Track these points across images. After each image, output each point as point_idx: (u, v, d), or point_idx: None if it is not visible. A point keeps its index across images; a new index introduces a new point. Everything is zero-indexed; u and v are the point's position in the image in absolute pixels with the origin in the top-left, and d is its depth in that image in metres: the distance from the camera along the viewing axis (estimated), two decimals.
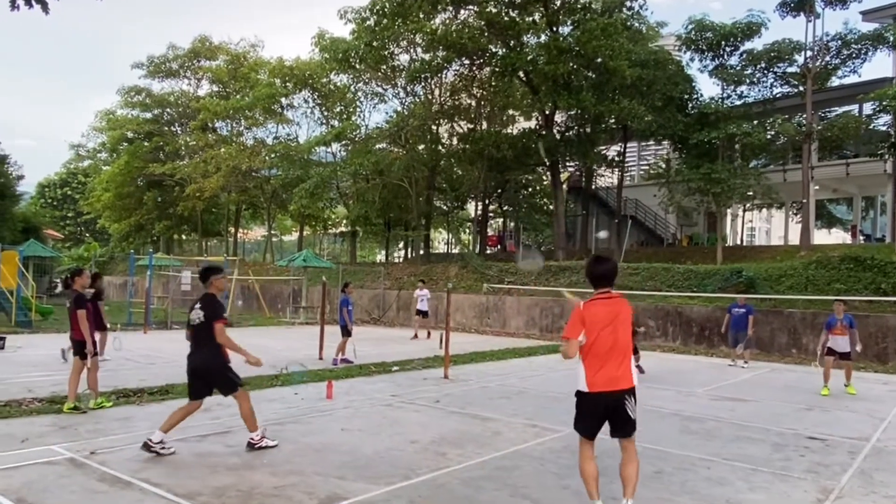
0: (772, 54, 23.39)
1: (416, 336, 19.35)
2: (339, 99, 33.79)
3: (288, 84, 33.94)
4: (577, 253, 27.70)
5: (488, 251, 33.36)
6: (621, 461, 4.61)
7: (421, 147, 30.99)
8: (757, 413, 9.03)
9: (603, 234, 28.59)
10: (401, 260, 37.73)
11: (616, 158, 30.37)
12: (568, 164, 31.48)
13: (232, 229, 43.08)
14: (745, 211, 35.03)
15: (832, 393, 10.78)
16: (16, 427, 6.85)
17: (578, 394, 4.62)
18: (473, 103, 31.41)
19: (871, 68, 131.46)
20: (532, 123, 30.90)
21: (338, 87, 33.51)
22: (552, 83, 24.09)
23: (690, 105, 25.22)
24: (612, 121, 26.51)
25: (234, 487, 5.14)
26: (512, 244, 36.41)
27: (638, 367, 10.39)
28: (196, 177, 35.79)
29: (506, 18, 24.66)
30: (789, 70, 23.92)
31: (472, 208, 37.77)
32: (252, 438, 6.22)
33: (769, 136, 25.00)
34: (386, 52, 28.03)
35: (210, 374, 6.11)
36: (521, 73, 25.36)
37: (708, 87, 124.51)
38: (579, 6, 24.71)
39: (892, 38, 21.86)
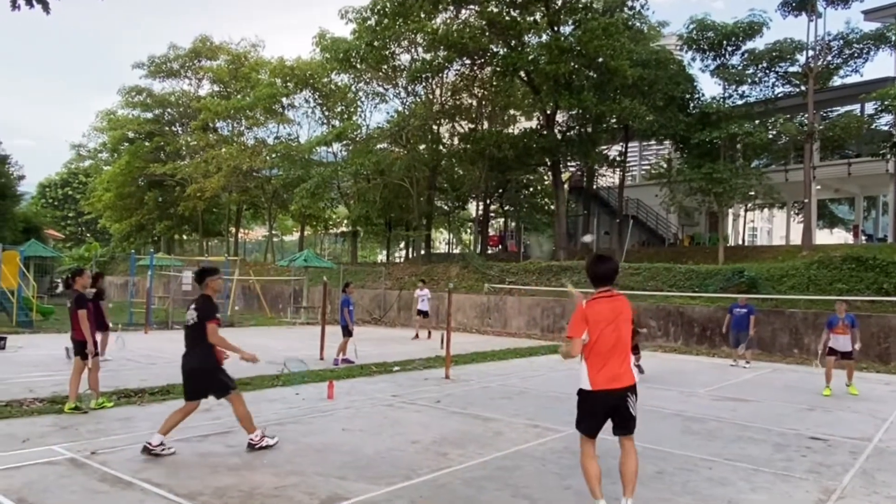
0: (773, 54, 23.39)
1: (416, 336, 19.34)
2: (339, 99, 33.76)
3: (289, 84, 33.96)
4: (577, 253, 27.69)
5: (489, 251, 33.34)
6: (621, 458, 4.63)
7: (422, 147, 30.97)
8: (758, 413, 9.01)
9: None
10: (402, 260, 37.67)
11: (617, 158, 30.37)
12: (569, 163, 31.47)
13: (233, 229, 43.09)
14: (746, 211, 35.00)
15: (834, 393, 10.77)
16: (17, 427, 6.86)
17: (581, 392, 4.62)
18: (474, 103, 31.37)
19: (872, 68, 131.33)
20: (533, 123, 30.87)
21: (339, 86, 33.48)
22: (553, 83, 24.10)
23: (692, 105, 25.21)
24: (614, 120, 26.51)
25: (235, 488, 5.14)
26: (513, 244, 36.39)
27: (637, 366, 10.39)
28: (197, 177, 35.80)
29: (507, 18, 24.66)
30: (791, 70, 23.91)
31: (473, 208, 37.77)
32: (252, 439, 6.22)
33: (771, 136, 25.02)
34: (387, 52, 28.03)
35: (202, 375, 6.11)
36: (522, 73, 25.38)
37: (709, 87, 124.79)
38: (580, 6, 24.69)
39: (894, 38, 21.82)
